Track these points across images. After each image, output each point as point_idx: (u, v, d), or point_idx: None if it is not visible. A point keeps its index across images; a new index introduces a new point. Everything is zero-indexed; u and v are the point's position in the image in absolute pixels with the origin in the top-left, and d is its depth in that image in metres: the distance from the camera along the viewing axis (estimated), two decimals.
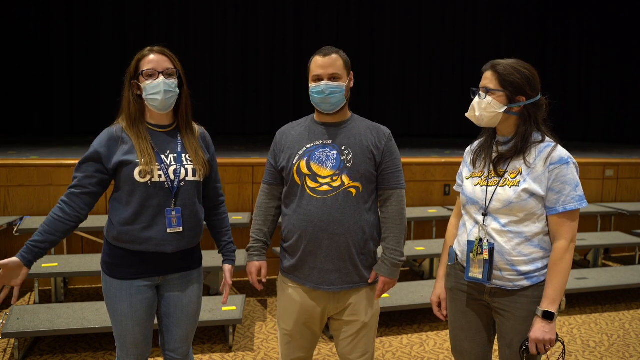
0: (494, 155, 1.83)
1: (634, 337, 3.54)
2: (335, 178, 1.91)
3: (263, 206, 2.08)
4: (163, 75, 1.83)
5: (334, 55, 1.93)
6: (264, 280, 2.05)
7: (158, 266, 1.89)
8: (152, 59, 1.84)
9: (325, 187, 1.91)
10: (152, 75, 1.82)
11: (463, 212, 1.92)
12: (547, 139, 1.78)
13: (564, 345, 1.81)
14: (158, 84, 1.82)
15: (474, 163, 1.90)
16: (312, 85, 1.94)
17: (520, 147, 1.76)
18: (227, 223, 2.12)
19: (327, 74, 1.91)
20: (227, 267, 2.08)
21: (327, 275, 1.93)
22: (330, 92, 1.91)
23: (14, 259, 1.73)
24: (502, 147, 1.83)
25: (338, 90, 1.92)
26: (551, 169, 1.71)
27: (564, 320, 3.77)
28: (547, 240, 1.77)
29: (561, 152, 1.74)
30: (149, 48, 1.88)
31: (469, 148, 2.00)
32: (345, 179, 1.91)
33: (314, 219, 1.90)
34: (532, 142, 1.77)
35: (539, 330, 1.70)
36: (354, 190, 1.92)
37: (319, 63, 1.93)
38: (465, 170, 1.95)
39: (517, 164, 1.77)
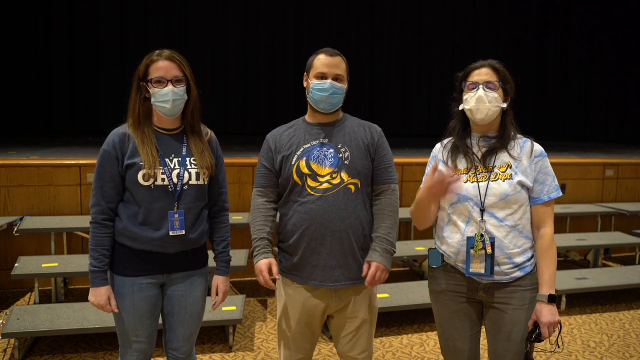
0: (484, 149, 1.85)
1: (634, 337, 3.54)
2: (334, 175, 1.93)
3: (261, 207, 2.03)
4: (172, 84, 1.82)
5: (339, 57, 1.96)
6: (276, 277, 1.98)
7: (161, 265, 1.90)
8: (161, 66, 1.82)
9: (325, 185, 1.92)
10: (160, 82, 1.82)
11: (449, 211, 1.89)
12: (519, 135, 1.88)
13: (560, 324, 1.85)
14: (166, 93, 1.82)
15: (454, 161, 1.89)
16: (315, 82, 1.94)
17: (507, 142, 1.84)
18: (226, 232, 2.07)
19: (333, 73, 1.93)
20: (221, 279, 2.06)
21: (331, 271, 1.94)
22: (334, 92, 1.93)
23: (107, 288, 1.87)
24: (491, 142, 1.85)
25: (340, 92, 1.95)
26: (535, 161, 1.82)
27: (564, 320, 3.77)
28: (531, 229, 1.85)
29: (538, 146, 1.86)
30: (157, 52, 1.85)
31: (438, 145, 2.00)
32: (344, 175, 1.93)
33: (315, 216, 1.91)
34: (512, 137, 1.86)
35: (548, 313, 1.76)
36: (352, 187, 1.94)
37: (324, 61, 1.94)
38: (444, 169, 1.91)
39: (505, 158, 1.83)
